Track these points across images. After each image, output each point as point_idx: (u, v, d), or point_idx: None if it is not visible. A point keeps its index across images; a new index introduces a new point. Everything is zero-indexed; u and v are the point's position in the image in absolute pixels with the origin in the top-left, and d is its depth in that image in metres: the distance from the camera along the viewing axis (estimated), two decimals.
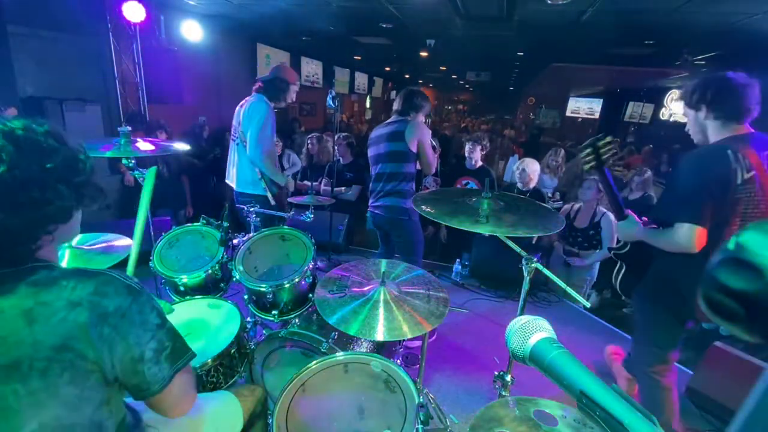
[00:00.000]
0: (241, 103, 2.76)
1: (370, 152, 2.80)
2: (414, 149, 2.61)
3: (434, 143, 2.81)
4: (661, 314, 1.79)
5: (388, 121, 2.74)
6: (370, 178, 2.88)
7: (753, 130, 1.60)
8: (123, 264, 1.65)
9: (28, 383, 0.70)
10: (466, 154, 3.90)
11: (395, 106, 2.73)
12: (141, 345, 0.79)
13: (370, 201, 2.85)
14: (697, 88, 1.66)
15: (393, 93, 18.35)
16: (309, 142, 4.64)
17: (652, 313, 1.84)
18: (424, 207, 1.55)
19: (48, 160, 0.75)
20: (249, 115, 2.63)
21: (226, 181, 2.90)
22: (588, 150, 1.71)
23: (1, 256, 0.75)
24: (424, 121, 2.75)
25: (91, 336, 0.74)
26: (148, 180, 1.50)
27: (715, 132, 1.64)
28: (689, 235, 1.55)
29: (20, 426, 0.70)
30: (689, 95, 1.68)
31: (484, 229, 1.40)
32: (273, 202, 2.70)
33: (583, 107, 12.84)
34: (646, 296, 1.85)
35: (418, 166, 2.77)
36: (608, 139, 1.69)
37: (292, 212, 2.46)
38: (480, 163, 3.89)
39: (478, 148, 3.81)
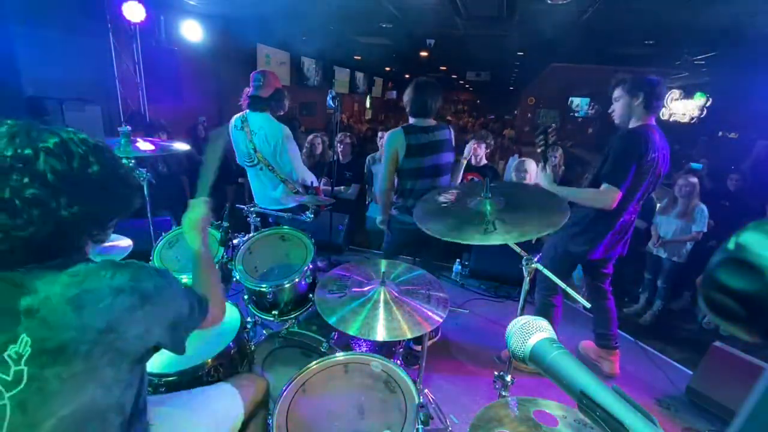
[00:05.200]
0: (237, 124, 2.62)
1: (427, 162, 2.35)
2: None
3: None
4: (565, 256, 2.35)
5: (429, 125, 2.36)
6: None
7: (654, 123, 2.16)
8: None
9: (71, 366, 0.75)
10: (470, 153, 3.93)
11: (428, 106, 2.34)
12: (179, 309, 0.95)
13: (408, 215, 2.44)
14: (638, 82, 2.11)
15: (393, 93, 18.32)
16: (315, 141, 4.63)
17: (559, 254, 2.37)
18: (429, 225, 1.46)
19: (120, 167, 0.90)
20: (269, 142, 2.55)
21: (259, 205, 2.64)
22: (541, 136, 2.24)
23: (51, 248, 0.81)
24: None
25: (136, 317, 0.82)
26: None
27: (639, 117, 2.13)
28: (613, 196, 2.04)
29: (58, 409, 0.74)
30: (631, 86, 2.12)
31: (496, 239, 1.32)
32: (311, 206, 2.45)
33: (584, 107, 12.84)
34: (558, 242, 2.38)
35: None
36: (553, 125, 2.39)
37: (310, 213, 2.35)
38: (484, 161, 3.97)
39: (483, 146, 3.87)
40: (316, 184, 2.74)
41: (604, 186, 2.07)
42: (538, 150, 2.27)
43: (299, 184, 2.76)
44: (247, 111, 2.62)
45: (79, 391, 0.76)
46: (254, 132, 2.59)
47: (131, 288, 0.83)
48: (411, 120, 2.40)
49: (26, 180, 0.74)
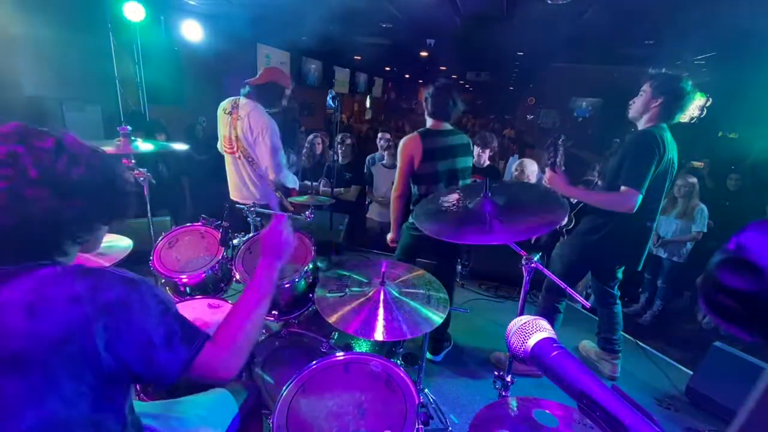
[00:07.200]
0: (226, 107, 2.59)
1: (439, 166, 2.30)
2: None
3: None
4: (579, 261, 2.34)
5: (446, 129, 2.33)
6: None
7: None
8: (120, 265, 1.65)
9: (28, 377, 0.70)
10: (474, 155, 3.97)
11: (446, 110, 2.30)
12: (147, 330, 0.80)
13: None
14: (666, 84, 2.03)
15: (392, 93, 18.30)
16: (315, 141, 4.62)
17: (573, 259, 2.34)
18: (427, 225, 1.51)
19: (92, 173, 0.82)
20: (252, 131, 2.50)
21: (233, 198, 2.73)
22: (552, 149, 2.19)
23: (24, 249, 0.78)
24: None
25: (92, 329, 0.74)
26: None
27: (652, 117, 2.08)
28: (634, 199, 1.95)
29: (19, 421, 0.70)
30: (657, 85, 2.04)
31: (494, 239, 1.37)
32: (291, 208, 2.50)
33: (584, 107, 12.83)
34: (573, 250, 2.35)
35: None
36: (563, 137, 2.25)
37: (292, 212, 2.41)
38: (488, 162, 4.05)
39: (487, 151, 3.94)
40: (297, 189, 2.69)
41: (623, 188, 1.99)
42: (549, 161, 2.24)
43: (278, 183, 2.70)
44: (240, 96, 2.59)
45: (38, 405, 0.71)
46: (240, 117, 2.52)
47: (89, 298, 0.76)
48: (428, 123, 2.36)
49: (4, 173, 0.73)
